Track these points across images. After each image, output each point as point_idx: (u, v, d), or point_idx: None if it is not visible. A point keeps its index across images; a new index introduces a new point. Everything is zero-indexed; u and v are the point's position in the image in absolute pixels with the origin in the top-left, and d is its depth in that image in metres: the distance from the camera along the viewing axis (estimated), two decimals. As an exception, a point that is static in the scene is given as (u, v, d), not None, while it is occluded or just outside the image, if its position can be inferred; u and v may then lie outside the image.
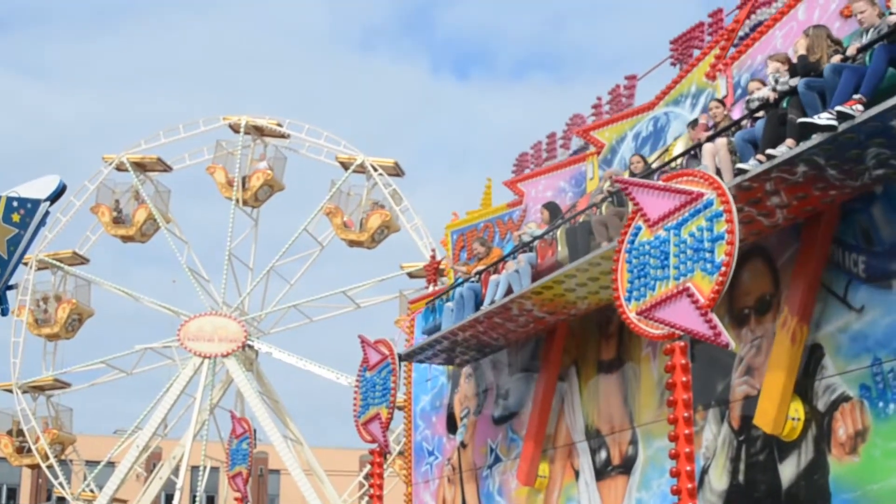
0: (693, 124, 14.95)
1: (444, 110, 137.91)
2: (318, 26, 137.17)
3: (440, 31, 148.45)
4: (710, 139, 13.07)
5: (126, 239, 46.67)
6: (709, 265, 9.12)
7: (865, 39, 11.36)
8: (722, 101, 14.23)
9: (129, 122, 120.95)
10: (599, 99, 18.90)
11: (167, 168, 47.14)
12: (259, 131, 46.59)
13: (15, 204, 10.85)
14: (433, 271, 23.84)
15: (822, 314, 12.98)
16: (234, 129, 46.29)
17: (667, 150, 15.96)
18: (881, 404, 12.17)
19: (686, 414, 9.22)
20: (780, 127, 11.78)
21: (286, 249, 47.21)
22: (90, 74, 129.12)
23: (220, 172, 46.29)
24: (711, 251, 9.12)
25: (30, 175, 11.37)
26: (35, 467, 47.82)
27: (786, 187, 11.63)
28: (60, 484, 46.51)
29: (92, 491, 46.29)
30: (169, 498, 49.42)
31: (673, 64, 16.66)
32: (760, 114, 12.58)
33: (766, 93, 12.54)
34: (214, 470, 50.60)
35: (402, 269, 45.17)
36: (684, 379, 9.25)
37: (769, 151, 11.45)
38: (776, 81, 12.34)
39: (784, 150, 11.36)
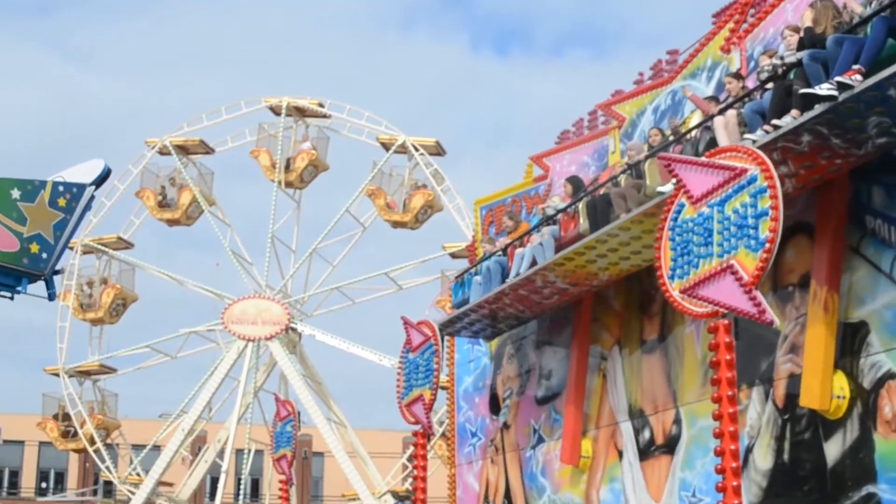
0: (710, 100, 15.03)
1: (484, 88, 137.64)
2: (357, 5, 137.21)
3: (480, 7, 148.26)
4: (722, 112, 13.30)
5: (171, 223, 46.77)
6: (753, 242, 9.11)
7: (868, 11, 11.56)
8: (738, 75, 14.50)
9: (171, 106, 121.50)
10: (641, 74, 18.81)
11: (210, 150, 47.27)
12: (300, 112, 46.60)
13: (61, 189, 10.93)
14: (474, 252, 23.85)
15: (868, 290, 12.94)
16: (276, 111, 46.29)
17: (683, 123, 16.05)
18: (924, 378, 12.17)
19: (730, 392, 9.22)
20: (787, 98, 12.06)
21: (328, 231, 47.15)
22: (133, 58, 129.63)
23: (265, 155, 46.26)
24: (755, 228, 9.11)
25: (74, 160, 11.49)
26: (81, 451, 48.06)
27: (793, 157, 11.71)
28: (107, 468, 46.69)
29: (138, 474, 46.50)
30: (214, 481, 49.61)
31: (714, 33, 16.45)
32: (770, 85, 12.71)
33: (774, 64, 12.83)
34: (259, 453, 50.71)
35: (444, 249, 45.04)
36: (728, 357, 9.25)
37: (774, 122, 11.75)
38: (781, 56, 12.70)
39: (789, 120, 11.64)
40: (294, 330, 45.96)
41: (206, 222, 47.37)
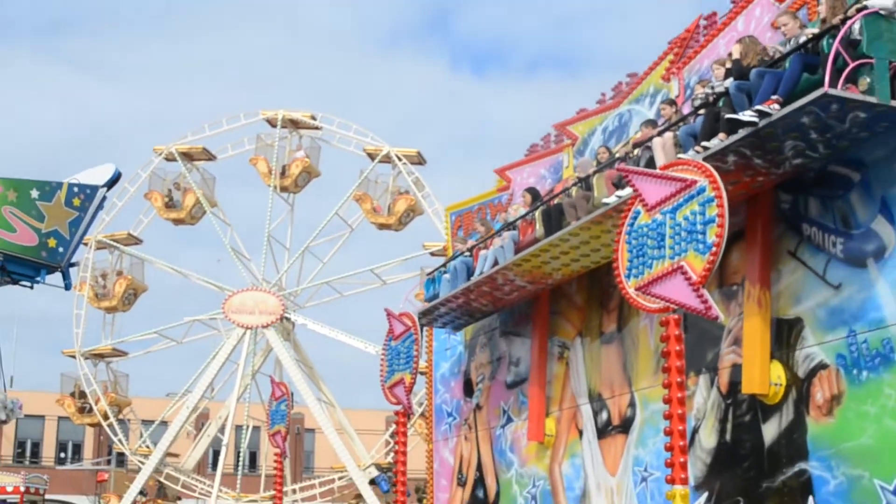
0: (647, 123, 15.53)
1: (462, 104, 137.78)
2: (347, 28, 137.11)
3: (458, 32, 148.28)
4: (660, 133, 13.69)
5: (177, 222, 46.81)
6: (701, 245, 9.11)
7: (787, 48, 11.99)
8: (672, 102, 15.02)
9: (176, 117, 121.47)
10: (603, 94, 18.84)
11: (212, 157, 47.26)
12: (294, 124, 46.69)
13: (76, 189, 10.85)
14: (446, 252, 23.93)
15: (803, 290, 13.00)
16: (272, 122, 46.39)
17: (628, 143, 16.30)
18: (855, 371, 12.18)
19: (679, 379, 9.22)
20: (715, 123, 12.44)
21: (319, 231, 47.32)
22: (141, 73, 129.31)
23: (262, 163, 46.44)
24: (703, 233, 9.12)
25: (88, 164, 11.40)
26: (96, 426, 48.00)
27: (721, 174, 11.76)
28: (119, 441, 46.77)
29: (147, 447, 46.59)
30: (216, 453, 49.59)
31: (673, 61, 16.56)
32: (702, 111, 13.08)
33: (705, 93, 13.29)
34: (256, 429, 50.88)
35: (424, 248, 45.20)
36: (678, 348, 9.25)
37: (704, 143, 12.17)
38: (711, 86, 13.19)
39: (717, 142, 12.02)
40: (288, 319, 46.05)
41: (209, 222, 47.42)
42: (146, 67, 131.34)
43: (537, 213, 16.79)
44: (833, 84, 10.75)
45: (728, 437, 14.13)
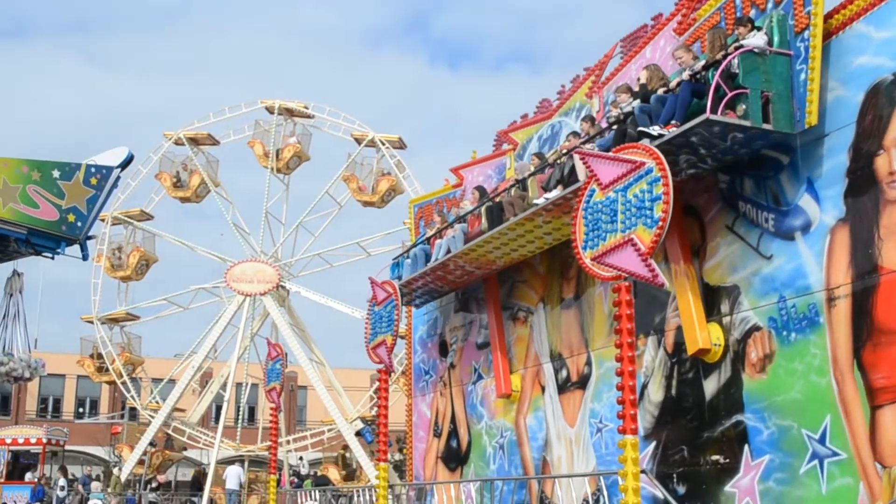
0: (572, 135, 16.22)
1: (438, 95, 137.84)
2: (336, 28, 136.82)
3: (435, 31, 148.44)
4: (581, 145, 14.35)
5: (183, 200, 46.63)
6: (649, 220, 9.14)
7: (682, 77, 12.84)
8: (591, 119, 15.83)
9: (183, 106, 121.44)
10: (563, 86, 18.80)
11: (215, 142, 47.03)
12: (289, 112, 46.49)
13: (93, 170, 10.81)
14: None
15: (739, 261, 13.09)
16: (269, 110, 46.17)
17: (557, 151, 16.64)
18: (785, 333, 12.29)
19: (630, 340, 9.26)
20: (623, 138, 13.09)
21: (311, 208, 47.11)
22: (152, 67, 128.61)
23: (259, 146, 46.31)
24: (651, 209, 9.14)
25: (104, 147, 11.36)
26: (111, 384, 47.94)
27: None
28: (132, 397, 46.72)
29: (157, 402, 46.48)
30: (218, 408, 49.55)
31: (622, 57, 16.62)
32: (614, 128, 14.02)
33: (615, 113, 14.28)
34: (254, 386, 50.91)
35: (404, 224, 44.93)
36: (629, 312, 9.29)
37: None
38: (621, 107, 14.08)
39: None
40: (283, 287, 45.93)
41: (212, 200, 47.18)
42: (157, 62, 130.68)
43: (483, 209, 17.33)
44: (714, 111, 11.71)
45: (673, 392, 14.22)
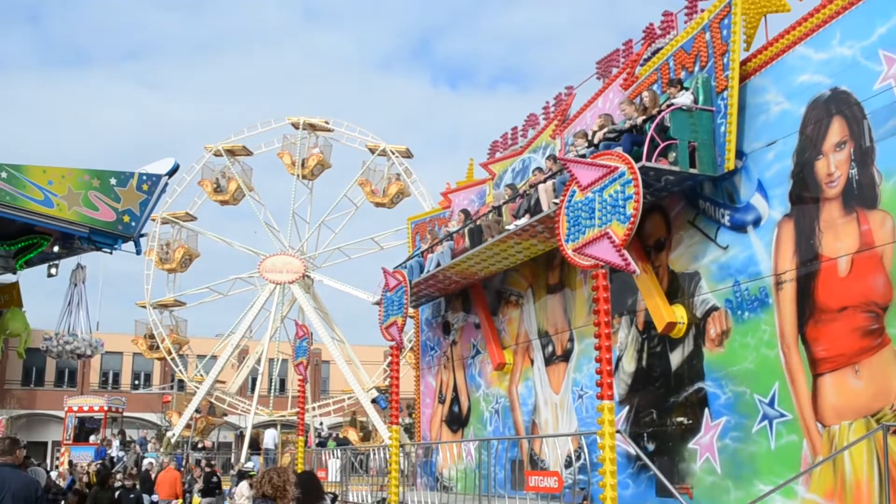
0: (537, 170, 16.54)
1: (440, 111, 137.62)
2: (353, 54, 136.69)
3: (437, 56, 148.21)
4: (544, 181, 14.84)
5: (222, 203, 46.76)
6: (622, 216, 9.12)
7: (625, 128, 13.39)
8: (553, 157, 16.00)
9: (221, 122, 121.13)
10: (548, 103, 18.78)
11: (249, 153, 47.11)
12: (312, 127, 46.60)
13: (144, 178, 10.79)
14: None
15: (700, 251, 13.10)
16: (295, 125, 46.29)
17: (526, 183, 16.91)
18: (739, 312, 12.33)
19: (606, 320, 9.26)
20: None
21: (332, 209, 47.40)
22: (193, 89, 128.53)
23: (287, 156, 46.44)
24: (624, 207, 9.13)
25: (154, 158, 11.35)
26: (162, 359, 48.15)
27: None
28: (180, 370, 46.97)
29: (201, 375, 46.63)
30: (254, 380, 49.61)
31: (598, 78, 16.62)
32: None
33: (573, 155, 14.21)
34: (284, 360, 51.05)
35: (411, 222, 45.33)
36: (605, 296, 9.29)
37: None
38: (577, 150, 14.34)
39: None
40: (308, 277, 46.07)
41: (247, 203, 47.36)
42: (198, 85, 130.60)
43: (466, 230, 17.71)
44: (650, 158, 12.18)
45: (644, 363, 14.24)
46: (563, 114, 17.84)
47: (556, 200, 13.55)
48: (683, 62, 13.44)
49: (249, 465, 26.57)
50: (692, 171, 12.44)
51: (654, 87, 13.93)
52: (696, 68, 13.17)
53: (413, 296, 19.97)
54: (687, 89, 12.86)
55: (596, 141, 13.85)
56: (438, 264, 18.41)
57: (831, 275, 10.91)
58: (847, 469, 10.39)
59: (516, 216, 15.65)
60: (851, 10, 11.03)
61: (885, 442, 8.74)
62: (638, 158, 11.90)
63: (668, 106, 12.61)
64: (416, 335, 23.88)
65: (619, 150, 12.50)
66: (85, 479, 21.75)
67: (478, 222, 17.32)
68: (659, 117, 12.47)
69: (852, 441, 10.19)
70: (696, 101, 12.76)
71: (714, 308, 12.72)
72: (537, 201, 14.90)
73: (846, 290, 10.69)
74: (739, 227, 12.43)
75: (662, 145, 12.23)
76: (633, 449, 12.42)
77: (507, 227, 15.79)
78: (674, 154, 12.34)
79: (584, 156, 13.58)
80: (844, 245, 10.80)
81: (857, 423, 10.39)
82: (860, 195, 10.67)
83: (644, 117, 13.05)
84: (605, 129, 13.90)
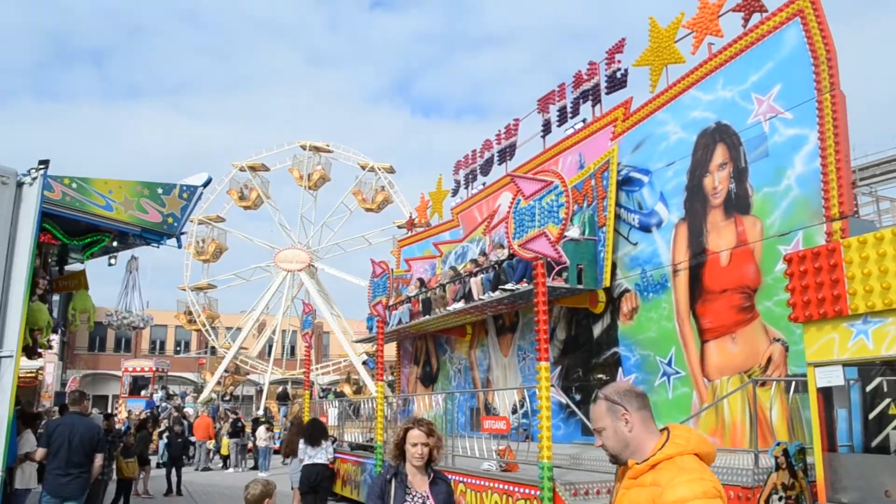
0: (472, 261, 16.48)
1: (417, 136, 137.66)
2: (348, 90, 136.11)
3: (415, 92, 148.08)
4: (474, 275, 14.92)
5: (246, 208, 46.46)
6: (556, 219, 9.15)
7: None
8: (484, 253, 16.09)
9: (245, 144, 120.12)
10: (499, 132, 18.75)
11: (267, 169, 46.82)
12: (316, 149, 46.43)
13: (184, 188, 10.68)
14: (410, 225, 23.78)
15: (616, 247, 13.14)
16: (303, 147, 46.09)
17: (465, 266, 16.96)
18: (645, 293, 12.37)
19: (543, 299, 9.28)
20: (498, 279, 13.77)
21: (331, 213, 47.37)
22: (223, 118, 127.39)
23: (296, 171, 46.20)
24: (557, 212, 9.15)
25: (191, 173, 11.26)
26: (198, 331, 47.87)
27: (505, 305, 13.87)
28: (212, 339, 46.67)
29: (229, 343, 46.39)
30: (270, 347, 49.44)
31: (539, 111, 16.45)
32: (494, 268, 14.34)
33: (493, 259, 14.62)
34: (294, 331, 50.84)
35: (393, 223, 45.43)
36: (543, 280, 9.31)
37: (501, 287, 13.59)
38: (498, 256, 14.43)
39: (497, 293, 13.71)
40: (313, 266, 45.91)
41: (265, 208, 47.11)
42: (227, 115, 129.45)
43: (420, 298, 17.53)
44: (547, 276, 11.60)
45: (573, 332, 14.29)
46: (491, 218, 17.58)
47: (483, 297, 14.08)
48: (575, 198, 13.28)
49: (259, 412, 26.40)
50: (579, 286, 12.75)
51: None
52: (585, 204, 13.36)
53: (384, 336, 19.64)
54: (573, 224, 12.97)
55: (512, 254, 13.65)
56: (400, 321, 18.32)
57: (715, 265, 11.01)
58: (726, 413, 10.52)
59: (455, 299, 15.74)
60: (731, 62, 11.15)
61: (754, 392, 8.85)
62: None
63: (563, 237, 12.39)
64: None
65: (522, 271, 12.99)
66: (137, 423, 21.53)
67: (428, 294, 17.20)
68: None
69: (729, 391, 10.33)
70: (582, 232, 13.00)
71: (626, 290, 12.79)
72: (470, 291, 14.99)
73: (726, 277, 10.80)
74: (646, 228, 12.49)
75: (557, 269, 12.27)
76: (563, 399, 12.49)
77: (447, 308, 15.92)
78: (565, 273, 12.57)
79: (501, 262, 13.95)
80: (725, 242, 10.90)
81: (734, 378, 10.53)
82: (737, 204, 10.79)
83: None
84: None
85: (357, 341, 29.72)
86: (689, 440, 2.98)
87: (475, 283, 14.70)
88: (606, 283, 12.81)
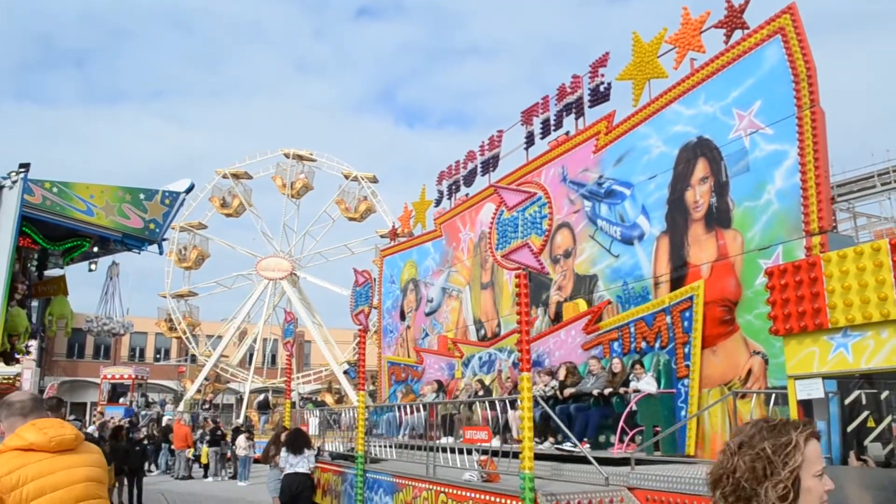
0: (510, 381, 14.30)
1: (401, 145, 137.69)
2: (332, 100, 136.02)
3: (398, 102, 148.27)
4: (513, 406, 11.14)
5: (228, 215, 46.24)
6: (539, 230, 9.13)
7: None
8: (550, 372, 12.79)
9: (228, 151, 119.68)
10: (483, 143, 18.78)
11: (250, 177, 46.63)
12: (300, 157, 46.27)
13: (166, 194, 10.60)
14: (393, 235, 23.75)
15: (598, 259, 13.16)
16: (286, 156, 45.95)
17: (494, 382, 15.21)
18: (626, 305, 12.39)
19: (526, 310, 9.28)
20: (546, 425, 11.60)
21: (314, 222, 47.19)
22: (207, 124, 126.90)
23: (279, 179, 46.03)
24: (540, 223, 9.14)
25: (173, 179, 11.16)
26: (178, 338, 47.42)
27: None
28: (193, 347, 46.28)
29: (209, 351, 46.00)
30: (251, 355, 49.07)
31: (523, 123, 16.50)
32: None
33: (539, 393, 11.83)
34: (275, 340, 50.51)
35: (376, 233, 45.34)
36: (525, 292, 9.31)
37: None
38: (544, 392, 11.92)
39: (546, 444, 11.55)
40: (295, 275, 45.70)
41: (248, 216, 46.91)
42: (211, 122, 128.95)
43: (438, 411, 14.25)
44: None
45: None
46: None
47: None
48: (643, 334, 11.60)
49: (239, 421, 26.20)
50: (656, 453, 10.10)
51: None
52: (657, 345, 11.32)
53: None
54: (647, 373, 10.90)
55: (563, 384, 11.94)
56: (414, 426, 14.70)
57: (696, 278, 11.04)
58: (706, 425, 10.54)
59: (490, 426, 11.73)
60: (713, 78, 11.23)
61: (734, 403, 8.88)
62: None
63: (636, 391, 10.82)
64: (378, 321, 23.70)
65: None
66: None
67: (450, 410, 14.32)
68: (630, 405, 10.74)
69: (710, 403, 10.35)
70: (658, 385, 10.86)
71: (608, 301, 12.82)
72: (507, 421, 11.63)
73: (707, 290, 10.83)
74: (628, 241, 12.52)
75: (631, 434, 10.55)
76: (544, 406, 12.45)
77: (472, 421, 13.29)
78: (639, 438, 10.44)
79: (548, 397, 11.78)
80: (706, 255, 10.94)
81: (714, 389, 10.55)
82: (718, 218, 10.83)
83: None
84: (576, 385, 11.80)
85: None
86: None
87: (514, 418, 11.21)
88: (690, 451, 10.23)
